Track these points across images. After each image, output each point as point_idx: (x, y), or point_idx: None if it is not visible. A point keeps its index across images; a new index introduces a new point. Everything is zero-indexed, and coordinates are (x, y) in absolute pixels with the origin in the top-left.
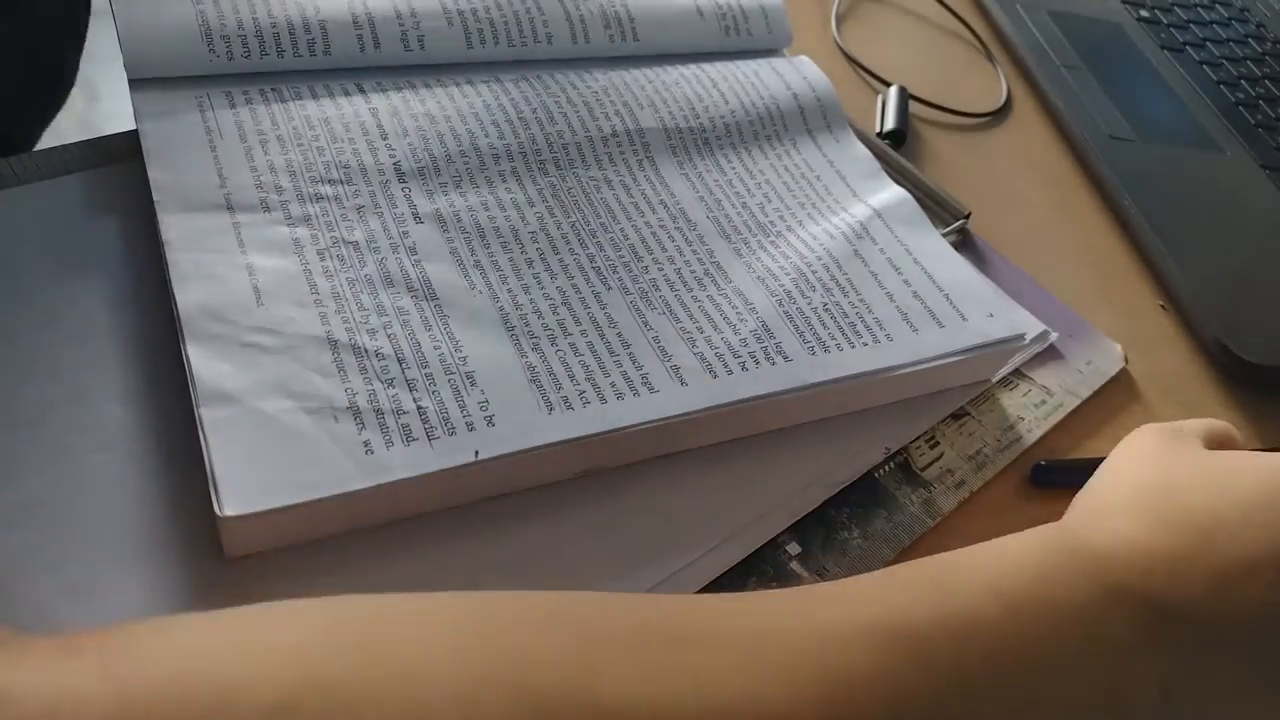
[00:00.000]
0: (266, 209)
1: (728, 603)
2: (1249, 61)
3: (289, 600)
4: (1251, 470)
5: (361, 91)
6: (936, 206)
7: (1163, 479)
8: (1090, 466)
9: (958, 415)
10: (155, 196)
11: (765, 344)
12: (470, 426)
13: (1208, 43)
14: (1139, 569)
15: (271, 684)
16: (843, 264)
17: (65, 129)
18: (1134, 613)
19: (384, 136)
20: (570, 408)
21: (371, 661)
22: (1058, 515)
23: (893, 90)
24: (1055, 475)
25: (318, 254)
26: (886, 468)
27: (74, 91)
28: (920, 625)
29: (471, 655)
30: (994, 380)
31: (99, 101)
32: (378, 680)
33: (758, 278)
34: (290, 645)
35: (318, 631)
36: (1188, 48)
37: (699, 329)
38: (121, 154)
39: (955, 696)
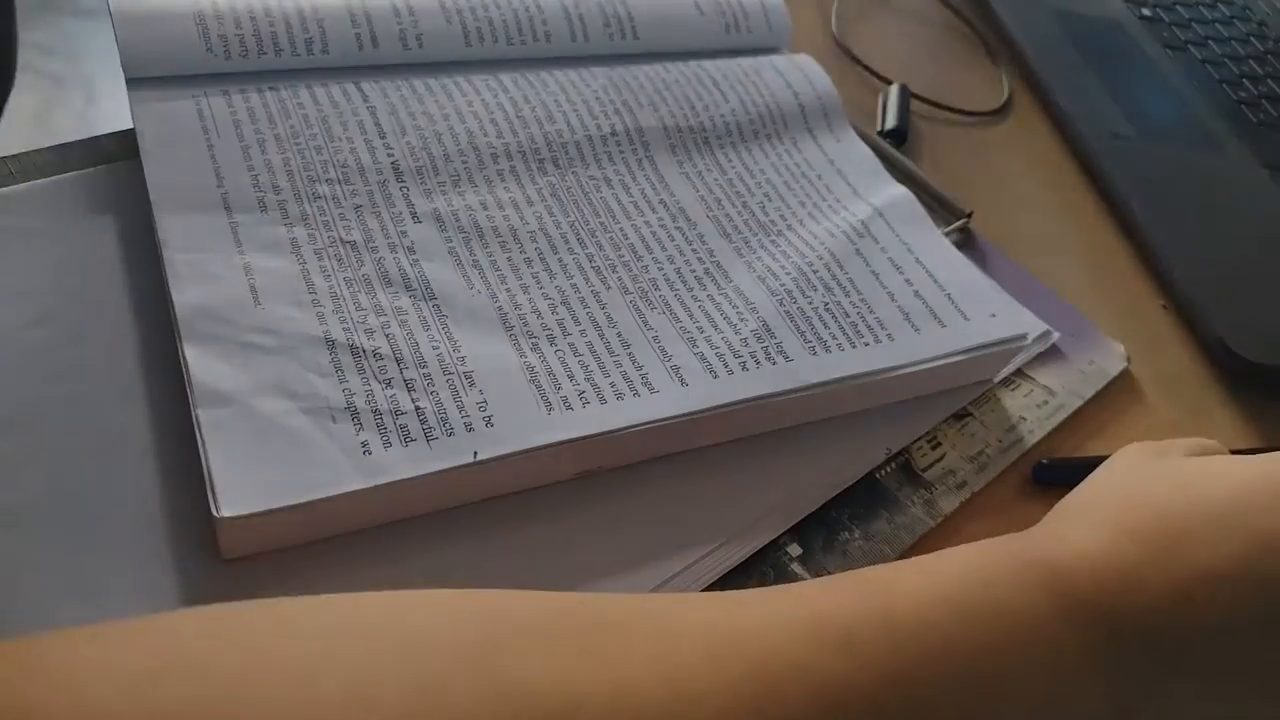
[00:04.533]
0: (264, 208)
1: (651, 600)
2: (1251, 60)
3: (214, 605)
4: (1226, 475)
5: (360, 90)
6: (938, 205)
7: (1132, 487)
8: (1091, 465)
9: (959, 416)
10: (152, 196)
11: (766, 344)
12: (469, 427)
13: (1209, 41)
14: (1093, 580)
15: (125, 664)
16: (844, 263)
17: (63, 129)
18: (1086, 625)
19: (382, 135)
20: (570, 408)
21: (243, 644)
22: None
23: (894, 89)
24: (1056, 474)
25: (315, 254)
26: (888, 468)
27: (72, 91)
28: (852, 619)
29: (359, 638)
30: (996, 380)
31: (96, 101)
32: (251, 661)
33: (758, 277)
34: (153, 632)
35: (185, 621)
36: (1189, 46)
37: (699, 329)
38: (119, 153)
39: (895, 692)
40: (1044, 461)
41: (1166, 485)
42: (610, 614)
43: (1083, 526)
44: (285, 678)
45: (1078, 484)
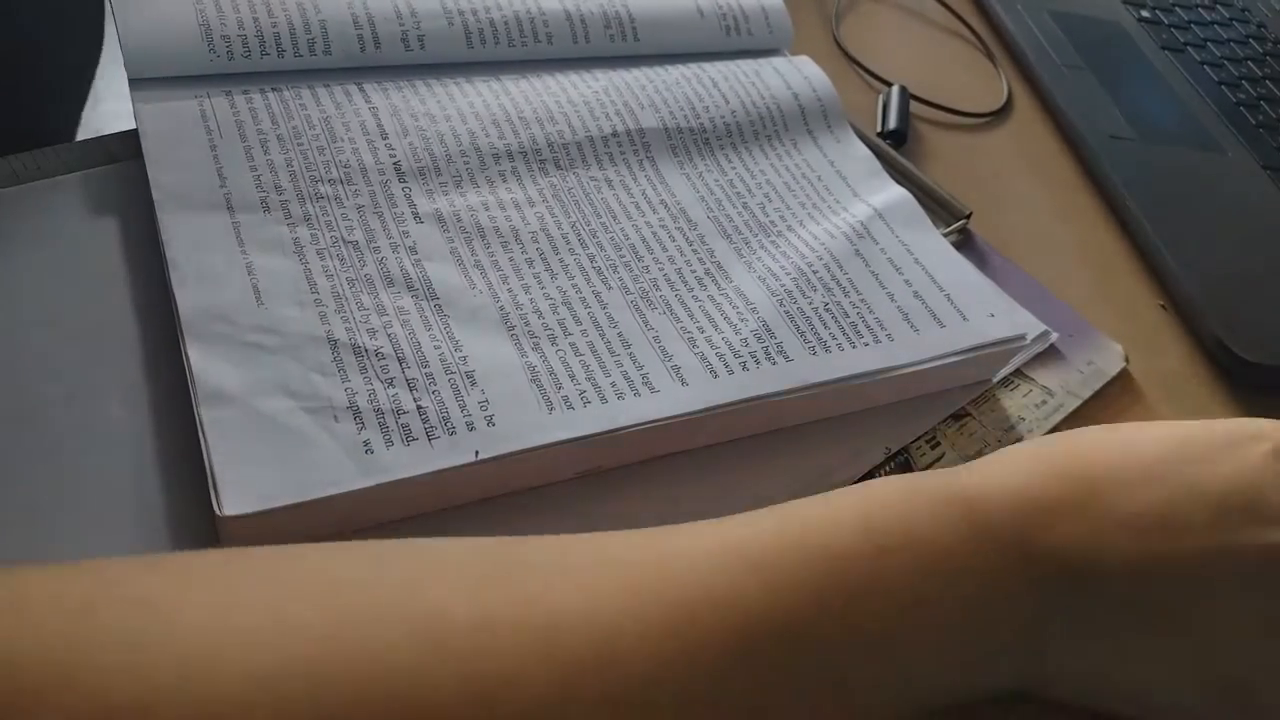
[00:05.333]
0: (266, 209)
1: (575, 539)
2: (1250, 62)
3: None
4: (1161, 430)
5: (362, 91)
6: (937, 206)
7: (1069, 437)
8: None
9: (958, 415)
10: (155, 196)
11: (766, 344)
12: (470, 426)
13: (1209, 43)
14: (1012, 512)
15: (67, 591)
16: (844, 264)
17: None
18: (1002, 554)
19: (384, 136)
20: (570, 407)
21: (177, 575)
22: None
23: (894, 90)
24: None
25: (318, 254)
26: (887, 468)
27: None
28: (771, 550)
29: (285, 571)
30: (995, 380)
31: (99, 102)
32: (182, 589)
33: (758, 277)
34: (93, 565)
35: (126, 560)
36: (1189, 48)
37: (699, 329)
38: (121, 154)
39: (808, 619)
40: None
41: (1101, 436)
42: (532, 554)
43: (1010, 464)
44: (212, 605)
45: None
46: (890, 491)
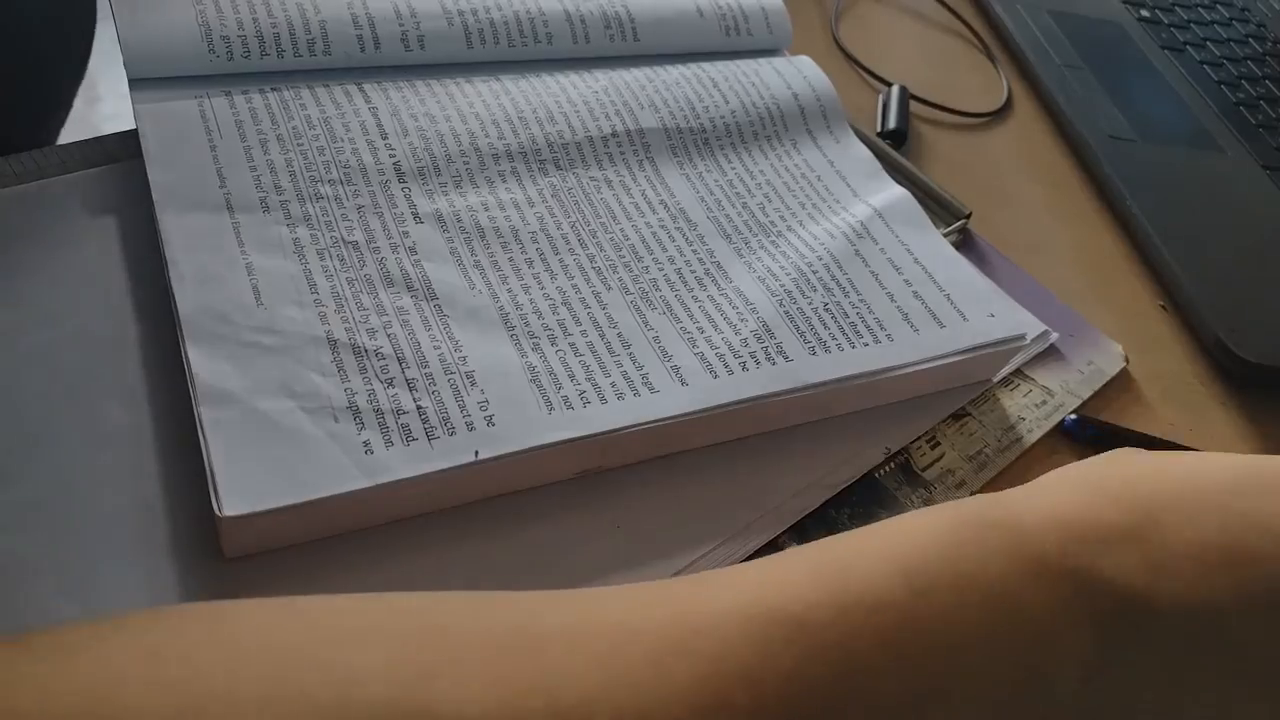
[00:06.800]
0: (266, 209)
1: (592, 597)
2: (1250, 61)
3: (120, 618)
4: (1217, 462)
5: (361, 91)
6: (937, 206)
7: (1120, 462)
8: (1123, 431)
9: (958, 415)
10: (155, 197)
11: (766, 344)
12: (470, 426)
13: (1208, 42)
14: (1062, 540)
15: (57, 713)
16: (843, 264)
17: (65, 129)
18: (1053, 586)
19: (384, 136)
20: (570, 407)
21: (173, 684)
22: None
23: (893, 90)
24: (1087, 428)
25: (318, 254)
26: (887, 468)
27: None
28: (805, 607)
29: (289, 673)
30: (995, 380)
31: (99, 102)
32: (179, 705)
33: (758, 278)
34: (89, 668)
35: (122, 651)
36: (1188, 47)
37: (699, 329)
38: (121, 154)
39: (849, 686)
40: (1074, 416)
41: (1155, 463)
42: (554, 623)
43: (1058, 490)
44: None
45: (1104, 442)
46: (930, 526)
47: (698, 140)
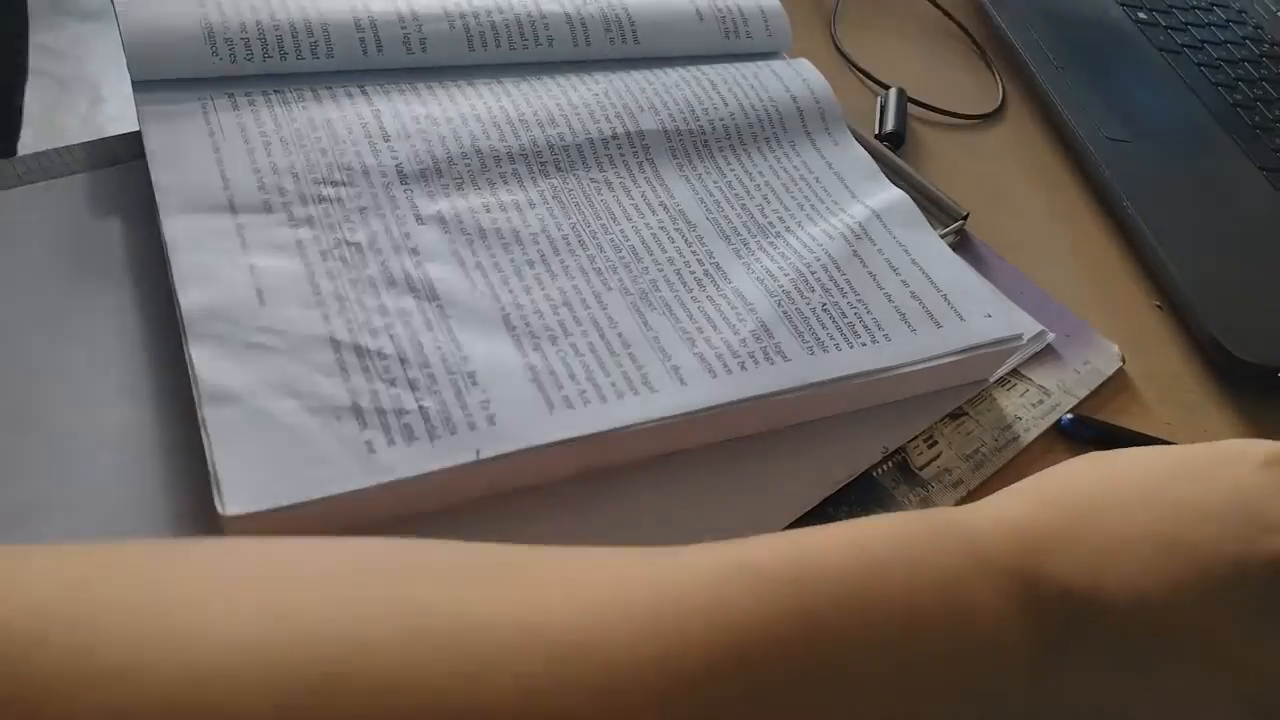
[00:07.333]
0: (269, 210)
1: (570, 549)
2: (1246, 63)
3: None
4: (1150, 454)
5: (364, 93)
6: (934, 208)
7: (1061, 468)
8: (1119, 432)
9: (955, 415)
10: (158, 198)
11: (764, 344)
12: (471, 426)
13: (1205, 44)
14: (1008, 542)
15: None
16: (841, 265)
17: (69, 130)
18: (998, 585)
19: (386, 138)
20: (571, 407)
21: (185, 562)
22: None
23: (891, 92)
24: (1085, 428)
25: (320, 255)
26: (884, 467)
27: (78, 94)
28: (764, 562)
29: (288, 563)
30: (992, 380)
31: (102, 103)
32: (184, 574)
33: (757, 278)
34: (118, 550)
35: (146, 544)
36: (1185, 49)
37: (699, 329)
38: (124, 155)
39: (802, 636)
40: (1071, 416)
41: (1092, 464)
42: (525, 558)
43: (1004, 498)
44: (202, 583)
45: (1101, 440)
46: (884, 521)
47: (697, 142)
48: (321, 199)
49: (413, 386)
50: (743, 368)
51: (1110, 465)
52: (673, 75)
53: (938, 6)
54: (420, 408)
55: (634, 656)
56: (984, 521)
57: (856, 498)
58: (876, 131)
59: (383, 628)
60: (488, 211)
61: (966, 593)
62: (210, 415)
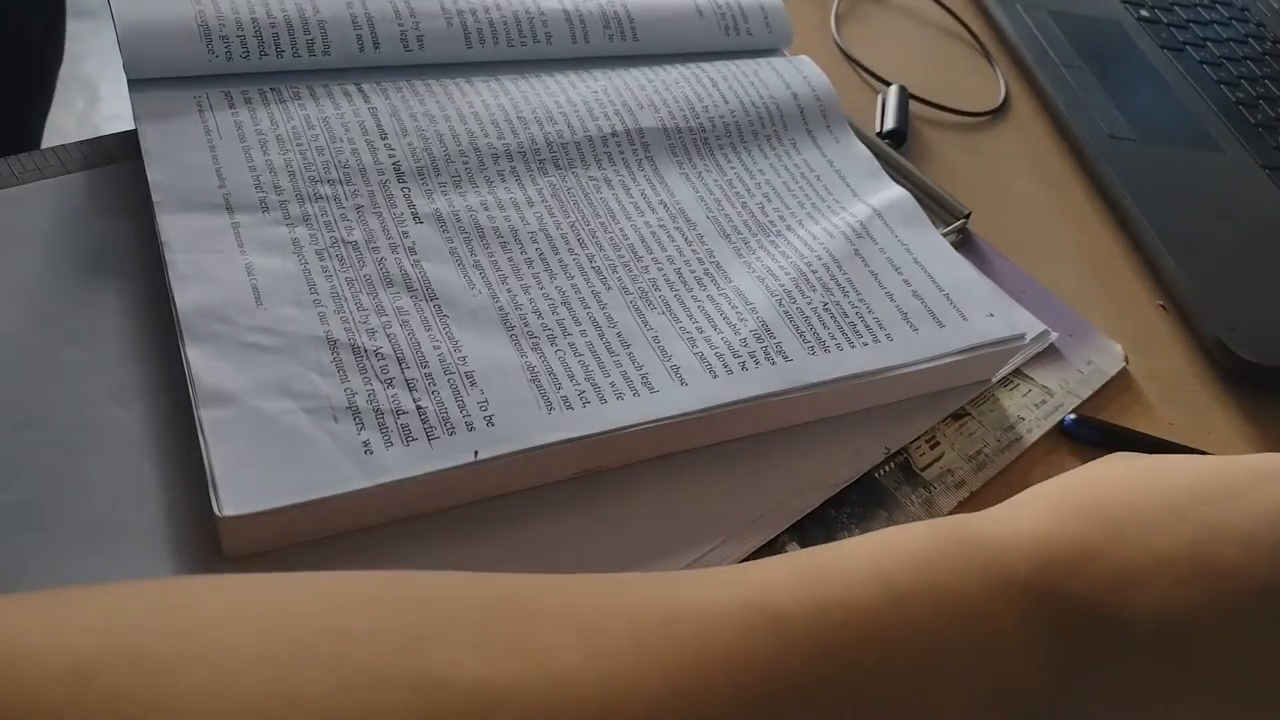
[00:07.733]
0: (265, 209)
1: (583, 581)
2: (1249, 61)
3: (130, 581)
4: (1181, 468)
5: (361, 91)
6: (937, 206)
7: (1087, 474)
8: (1124, 432)
9: (958, 415)
10: (154, 197)
11: (765, 344)
12: (470, 426)
13: (1208, 42)
14: (1033, 560)
15: (68, 651)
16: (843, 264)
17: (65, 129)
18: (1024, 607)
19: (383, 136)
20: (570, 407)
21: (180, 632)
22: None
23: (893, 90)
24: (1087, 429)
25: (317, 254)
26: (886, 468)
27: (74, 93)
28: (786, 603)
29: (289, 628)
30: (994, 380)
31: (98, 102)
32: (185, 651)
33: (757, 277)
34: (100, 616)
35: (133, 602)
36: (1188, 47)
37: (699, 329)
38: (120, 154)
39: (825, 676)
40: (1074, 416)
41: (1120, 473)
42: (545, 601)
43: (1030, 508)
44: (213, 669)
45: (1103, 442)
46: (908, 539)
47: (697, 140)
48: (318, 197)
49: (410, 386)
50: (743, 368)
51: (1141, 473)
52: (672, 72)
53: (939, 3)
54: (418, 408)
55: (658, 717)
56: (1007, 538)
57: (859, 498)
58: (878, 129)
59: (401, 711)
60: (486, 210)
61: (994, 620)
62: (206, 416)
